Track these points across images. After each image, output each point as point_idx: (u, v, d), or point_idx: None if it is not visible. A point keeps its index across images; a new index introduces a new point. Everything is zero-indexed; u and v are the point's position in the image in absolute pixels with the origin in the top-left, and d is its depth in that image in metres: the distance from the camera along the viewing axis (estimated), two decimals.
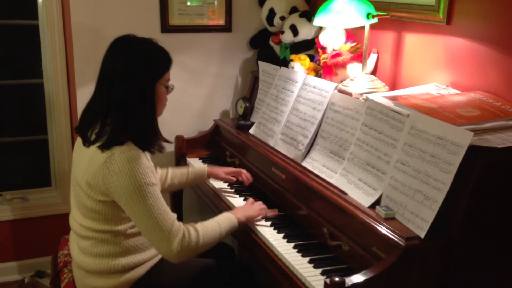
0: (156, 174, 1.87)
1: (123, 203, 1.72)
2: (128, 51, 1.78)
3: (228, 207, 2.21)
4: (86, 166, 1.75)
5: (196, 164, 2.66)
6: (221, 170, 2.35)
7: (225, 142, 2.73)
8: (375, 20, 2.10)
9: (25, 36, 3.10)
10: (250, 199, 2.10)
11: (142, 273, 1.85)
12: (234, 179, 2.34)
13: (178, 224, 1.74)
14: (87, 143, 1.76)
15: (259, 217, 2.01)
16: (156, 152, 1.85)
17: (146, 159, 1.75)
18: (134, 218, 1.73)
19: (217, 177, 2.35)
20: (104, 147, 1.70)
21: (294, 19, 2.64)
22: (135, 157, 1.69)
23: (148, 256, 1.87)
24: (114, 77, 1.74)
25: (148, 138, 1.79)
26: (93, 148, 1.73)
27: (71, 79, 2.86)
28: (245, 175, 2.33)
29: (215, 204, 2.32)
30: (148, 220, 1.69)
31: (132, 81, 1.73)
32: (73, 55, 2.66)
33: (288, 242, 1.86)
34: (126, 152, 1.69)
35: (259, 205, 2.04)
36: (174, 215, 1.77)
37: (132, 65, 1.75)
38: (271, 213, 2.05)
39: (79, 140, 1.85)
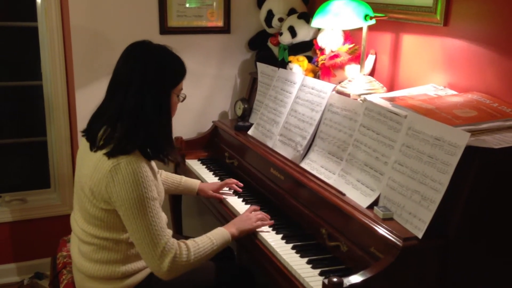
0: (159, 184, 1.85)
1: (122, 214, 1.70)
2: (145, 59, 1.74)
3: (228, 208, 2.22)
4: (91, 171, 1.73)
5: (195, 166, 2.67)
6: (209, 188, 2.31)
7: (224, 143, 2.73)
8: (373, 21, 2.10)
9: (24, 38, 3.10)
10: (251, 207, 2.06)
11: (142, 278, 1.84)
12: (222, 196, 2.28)
13: (172, 242, 1.72)
14: (94, 148, 1.74)
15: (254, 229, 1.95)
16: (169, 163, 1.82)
17: (150, 171, 1.74)
18: (130, 230, 1.71)
19: (206, 195, 2.31)
20: (110, 155, 1.68)
21: (293, 20, 2.65)
22: (141, 170, 1.67)
23: None
24: (130, 84, 1.71)
25: (162, 148, 1.78)
26: (100, 154, 1.71)
27: (70, 80, 2.86)
28: (235, 185, 2.31)
29: (214, 205, 2.33)
30: (143, 234, 1.68)
31: (148, 89, 1.71)
32: (72, 56, 2.66)
33: (286, 243, 1.87)
34: (133, 163, 1.67)
35: (256, 217, 1.97)
36: (170, 232, 1.75)
37: (148, 73, 1.72)
38: (267, 224, 1.98)
39: (84, 143, 1.83)
